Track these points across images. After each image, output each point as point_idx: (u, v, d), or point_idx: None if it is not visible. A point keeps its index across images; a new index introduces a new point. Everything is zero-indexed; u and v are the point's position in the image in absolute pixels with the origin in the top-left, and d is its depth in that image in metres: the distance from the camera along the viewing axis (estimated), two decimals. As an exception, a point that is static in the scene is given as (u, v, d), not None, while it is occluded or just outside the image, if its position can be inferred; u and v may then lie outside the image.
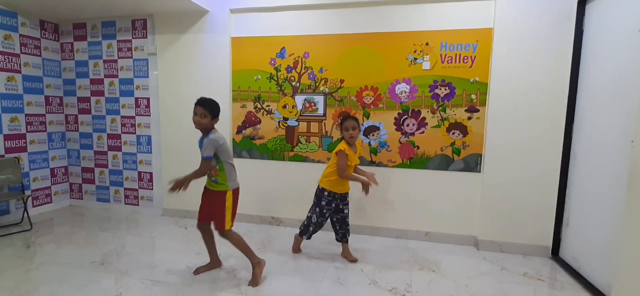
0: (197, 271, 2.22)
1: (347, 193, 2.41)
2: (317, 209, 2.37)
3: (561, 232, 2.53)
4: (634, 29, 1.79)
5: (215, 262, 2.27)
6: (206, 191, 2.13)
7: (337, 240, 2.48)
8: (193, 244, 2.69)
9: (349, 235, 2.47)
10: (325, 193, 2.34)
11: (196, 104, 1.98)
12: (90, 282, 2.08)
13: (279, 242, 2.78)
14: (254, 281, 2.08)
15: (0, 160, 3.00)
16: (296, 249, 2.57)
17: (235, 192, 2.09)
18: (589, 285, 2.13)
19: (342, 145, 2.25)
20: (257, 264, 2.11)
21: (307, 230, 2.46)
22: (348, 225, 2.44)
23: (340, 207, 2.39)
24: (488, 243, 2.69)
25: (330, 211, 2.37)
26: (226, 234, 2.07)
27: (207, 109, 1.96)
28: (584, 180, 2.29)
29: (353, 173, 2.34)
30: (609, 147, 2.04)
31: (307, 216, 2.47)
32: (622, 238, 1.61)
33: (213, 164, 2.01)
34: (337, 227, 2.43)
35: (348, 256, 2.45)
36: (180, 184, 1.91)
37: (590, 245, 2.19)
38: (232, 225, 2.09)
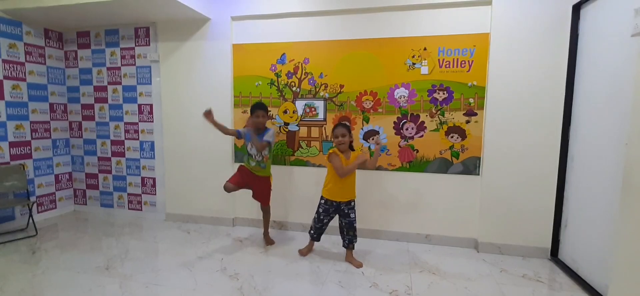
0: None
1: (350, 200, 2.45)
2: (316, 214, 2.55)
3: (560, 234, 2.55)
4: (627, 33, 1.83)
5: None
6: (248, 172, 2.70)
7: (343, 245, 2.53)
8: (196, 248, 2.73)
9: (355, 241, 2.49)
10: (322, 201, 2.50)
11: (258, 108, 2.60)
12: (95, 287, 2.12)
13: (281, 246, 2.81)
14: (270, 242, 2.83)
15: (6, 167, 3.05)
16: (304, 252, 2.62)
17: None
18: (588, 286, 2.15)
19: (332, 150, 2.40)
20: (268, 236, 2.87)
21: (310, 230, 2.61)
22: (355, 230, 2.47)
23: (346, 211, 2.44)
24: (488, 245, 2.71)
25: (328, 217, 2.50)
26: (268, 208, 2.82)
27: (266, 111, 2.66)
28: (582, 182, 2.32)
29: (351, 163, 2.35)
30: (605, 149, 2.07)
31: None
32: (618, 239, 1.64)
33: (266, 152, 2.62)
34: (344, 232, 2.48)
35: (352, 262, 2.47)
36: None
37: (589, 246, 2.21)
38: None
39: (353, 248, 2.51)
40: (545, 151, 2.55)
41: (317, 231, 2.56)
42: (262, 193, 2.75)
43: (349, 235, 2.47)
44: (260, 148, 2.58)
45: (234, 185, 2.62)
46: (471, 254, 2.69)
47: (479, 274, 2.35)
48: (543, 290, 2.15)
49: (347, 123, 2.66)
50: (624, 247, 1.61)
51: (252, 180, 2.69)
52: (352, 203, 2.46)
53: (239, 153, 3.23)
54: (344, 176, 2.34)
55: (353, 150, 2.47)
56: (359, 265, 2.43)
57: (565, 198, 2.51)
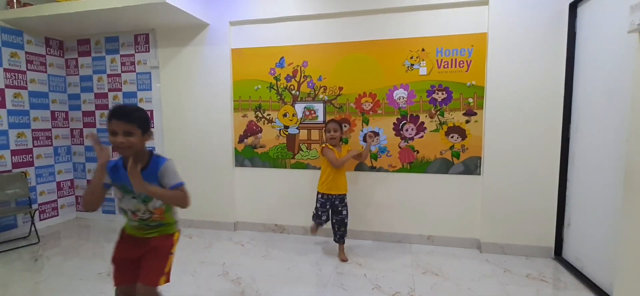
0: None
1: (343, 194, 2.55)
2: (314, 209, 2.63)
3: (563, 233, 2.53)
4: (624, 30, 1.82)
5: None
6: (134, 240, 1.45)
7: (334, 240, 2.63)
8: (197, 253, 2.72)
9: (345, 236, 2.60)
10: (319, 196, 2.58)
11: (111, 116, 1.27)
12: (97, 294, 2.11)
13: (282, 249, 2.80)
14: None
15: (8, 175, 3.06)
16: (313, 231, 2.71)
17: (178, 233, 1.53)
18: (592, 284, 2.13)
19: (324, 145, 2.55)
20: None
21: (313, 218, 2.67)
22: (346, 226, 2.58)
23: (339, 208, 2.54)
24: (490, 246, 2.70)
25: (325, 212, 2.57)
26: (155, 290, 1.37)
27: (135, 122, 1.29)
28: (583, 180, 2.31)
29: (344, 156, 2.51)
30: (605, 146, 2.06)
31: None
32: (621, 236, 1.63)
33: (157, 205, 1.42)
34: (335, 228, 2.59)
35: (341, 257, 2.58)
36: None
37: (592, 244, 2.19)
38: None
39: (343, 243, 2.61)
40: (546, 149, 2.54)
41: (318, 219, 2.65)
42: (151, 261, 1.40)
43: (340, 231, 2.57)
44: (140, 190, 1.26)
45: (124, 283, 1.42)
46: (474, 254, 2.67)
47: (483, 274, 2.33)
48: (547, 290, 2.13)
49: (339, 120, 2.73)
50: (627, 244, 1.59)
51: (141, 246, 1.43)
52: (345, 200, 2.56)
53: (240, 157, 3.23)
54: (340, 167, 2.48)
55: (346, 143, 2.68)
56: (344, 260, 2.55)
57: (567, 197, 2.49)
